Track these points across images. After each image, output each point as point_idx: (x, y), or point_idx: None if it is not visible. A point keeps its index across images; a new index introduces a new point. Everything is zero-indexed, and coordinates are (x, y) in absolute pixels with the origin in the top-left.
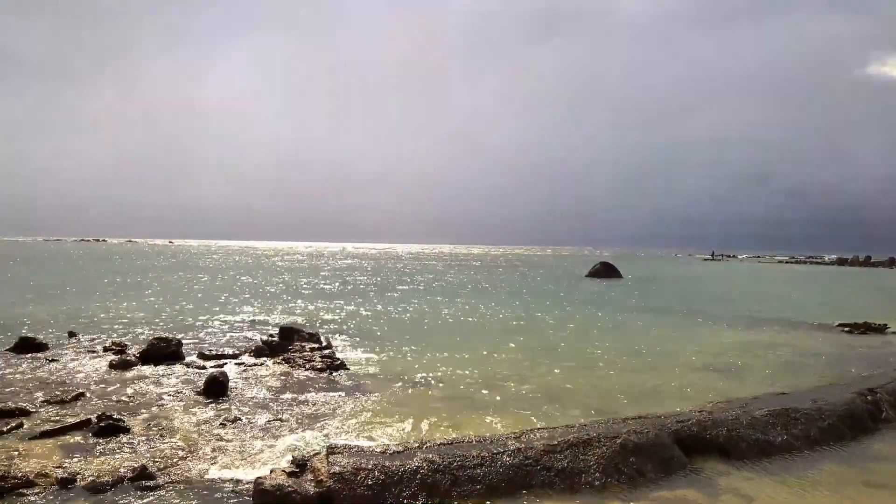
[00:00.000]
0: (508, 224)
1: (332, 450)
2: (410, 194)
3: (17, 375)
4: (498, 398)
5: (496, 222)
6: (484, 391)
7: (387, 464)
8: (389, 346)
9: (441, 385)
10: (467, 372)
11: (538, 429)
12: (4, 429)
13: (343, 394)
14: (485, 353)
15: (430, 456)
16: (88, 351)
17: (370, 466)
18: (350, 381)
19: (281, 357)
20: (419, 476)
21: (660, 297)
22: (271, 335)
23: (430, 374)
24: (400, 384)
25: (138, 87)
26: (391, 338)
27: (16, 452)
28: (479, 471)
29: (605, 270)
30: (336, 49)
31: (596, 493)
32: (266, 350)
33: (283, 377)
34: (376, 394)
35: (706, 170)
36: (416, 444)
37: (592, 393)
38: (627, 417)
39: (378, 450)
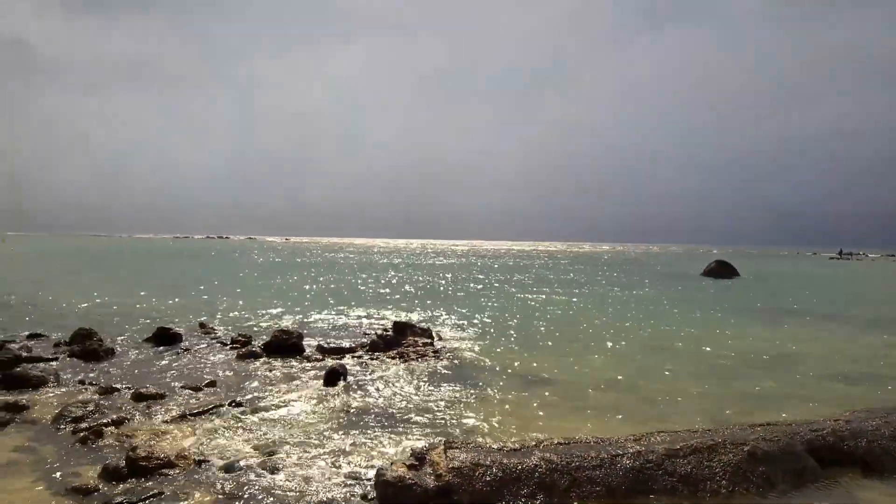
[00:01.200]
0: (616, 220)
1: (449, 444)
2: (518, 192)
3: (155, 363)
4: (612, 399)
5: (603, 219)
6: (597, 391)
7: (504, 461)
8: (502, 343)
9: (555, 383)
10: (581, 370)
11: (659, 432)
12: (147, 411)
13: (456, 389)
14: (598, 352)
15: (548, 455)
16: (217, 342)
17: (488, 463)
18: (463, 377)
19: (395, 351)
20: (537, 475)
21: (783, 298)
22: (385, 330)
23: (544, 372)
24: (513, 381)
25: (257, 93)
26: (504, 334)
27: (157, 434)
28: (597, 472)
29: (721, 269)
30: (446, 49)
31: (722, 502)
32: (380, 344)
33: (397, 371)
34: (490, 390)
35: (823, 164)
36: (533, 443)
37: (711, 397)
38: (755, 424)
39: (495, 446)
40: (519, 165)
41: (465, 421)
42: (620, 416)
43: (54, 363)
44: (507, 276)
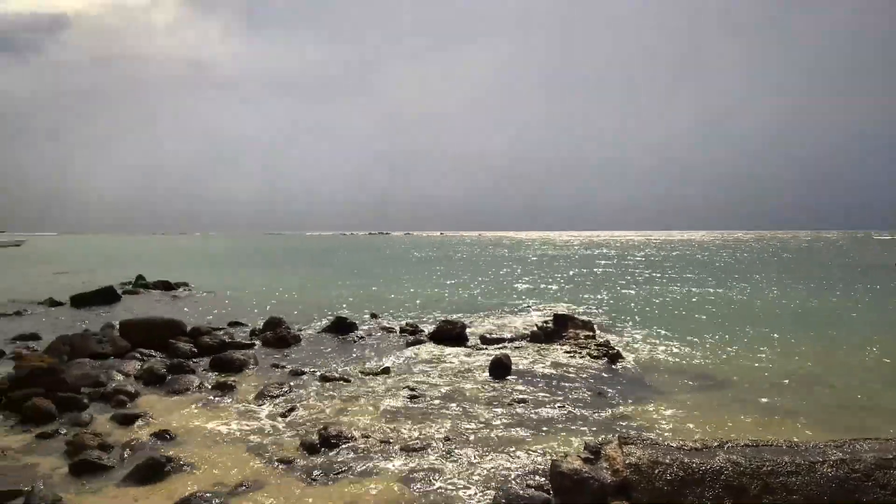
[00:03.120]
0: (773, 207)
1: (624, 440)
2: (654, 184)
3: (335, 350)
4: (796, 401)
5: (755, 206)
6: (780, 392)
7: (685, 460)
8: (670, 337)
9: (729, 382)
10: (759, 369)
11: (865, 439)
12: (332, 393)
13: (623, 383)
14: (778, 350)
15: (734, 457)
16: (387, 330)
17: (668, 461)
18: (630, 371)
19: (556, 343)
20: (723, 477)
21: None
22: (546, 322)
23: (717, 370)
24: (684, 378)
25: (397, 97)
26: (671, 328)
27: (344, 414)
28: (793, 479)
29: None
30: (571, 46)
31: None
32: (542, 336)
33: (560, 363)
34: (659, 386)
35: None
36: (716, 443)
37: None
38: None
39: (674, 444)
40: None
41: (634, 417)
42: (807, 420)
43: (252, 350)
44: (664, 268)
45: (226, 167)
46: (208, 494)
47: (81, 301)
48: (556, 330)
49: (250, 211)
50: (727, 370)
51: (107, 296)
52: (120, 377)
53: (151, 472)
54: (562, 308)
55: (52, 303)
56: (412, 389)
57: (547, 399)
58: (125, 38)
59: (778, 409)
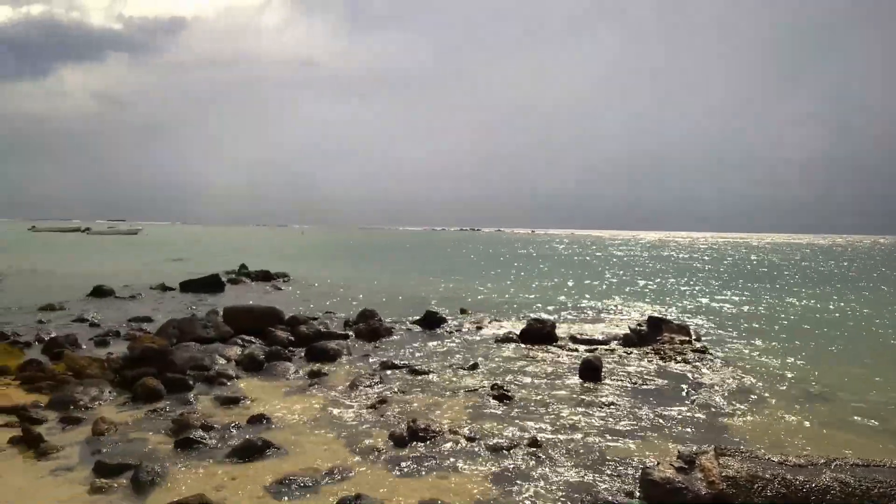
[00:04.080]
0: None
1: (721, 451)
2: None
3: (425, 343)
4: None
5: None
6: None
7: (788, 476)
8: (774, 348)
9: (840, 398)
10: (875, 387)
11: None
12: (421, 386)
13: (720, 392)
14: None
15: (843, 477)
16: (476, 327)
17: (768, 476)
18: (728, 380)
19: (650, 347)
20: (829, 497)
21: None
22: (639, 324)
23: (826, 385)
24: (788, 390)
25: (495, 93)
26: (776, 338)
27: (432, 408)
28: None
29: None
30: (676, 39)
31: None
32: (634, 339)
33: (653, 368)
34: (759, 397)
35: None
36: (822, 460)
37: None
38: None
39: (775, 459)
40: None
41: (731, 428)
42: None
43: (345, 341)
44: (778, 272)
45: (328, 162)
46: (301, 478)
47: (189, 287)
48: (651, 333)
49: (347, 205)
50: (836, 386)
51: (212, 283)
52: (222, 361)
53: (249, 452)
54: (656, 311)
55: (164, 288)
56: (500, 388)
57: (638, 404)
58: (237, 40)
59: (892, 433)
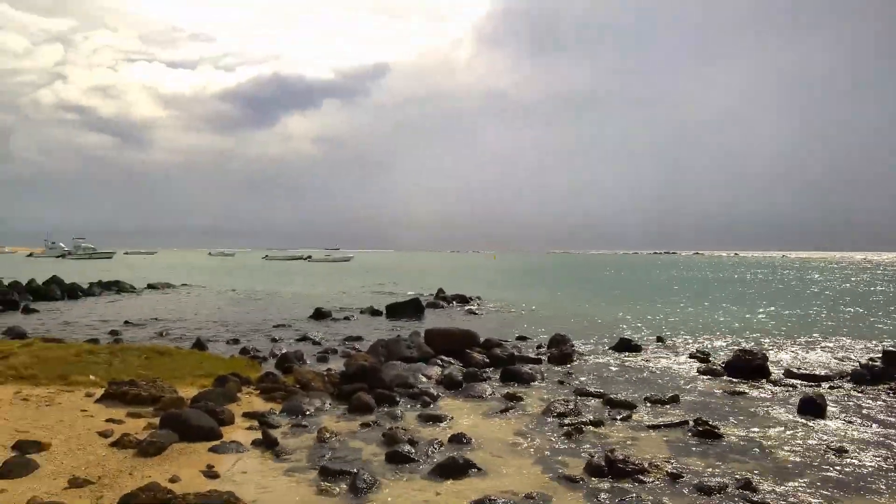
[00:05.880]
0: None
1: None
2: None
3: (620, 371)
4: None
5: None
6: None
7: None
8: None
9: None
10: None
11: None
12: (617, 417)
13: None
14: None
15: None
16: (675, 355)
17: None
18: None
19: (886, 386)
20: None
21: None
22: (872, 359)
23: None
24: None
25: (675, 105)
26: None
27: (630, 441)
28: None
29: None
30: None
31: None
32: (866, 376)
33: (891, 409)
34: None
35: None
36: None
37: None
38: None
39: None
40: None
41: None
42: None
43: (539, 365)
44: None
45: (516, 188)
46: (501, 500)
47: (394, 310)
48: (886, 369)
49: (536, 230)
50: None
51: (414, 307)
52: (424, 380)
53: (451, 470)
54: (890, 345)
55: (373, 311)
56: (704, 423)
57: (872, 451)
58: (432, 78)
59: None
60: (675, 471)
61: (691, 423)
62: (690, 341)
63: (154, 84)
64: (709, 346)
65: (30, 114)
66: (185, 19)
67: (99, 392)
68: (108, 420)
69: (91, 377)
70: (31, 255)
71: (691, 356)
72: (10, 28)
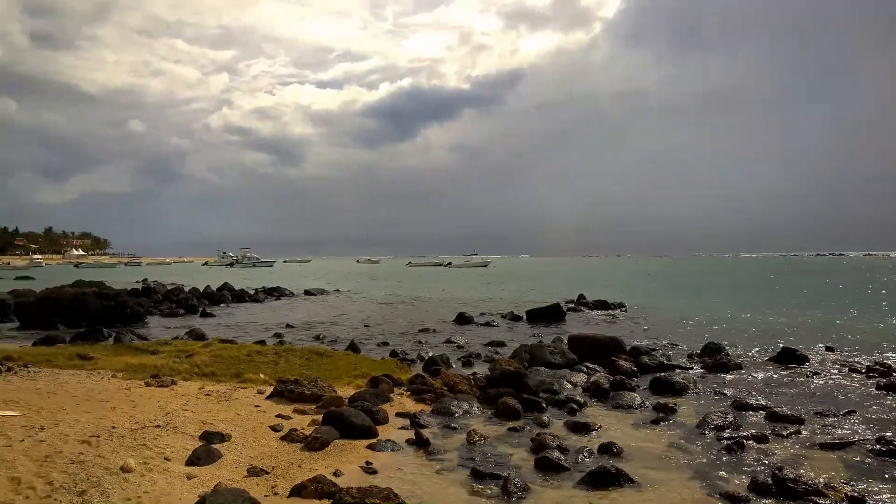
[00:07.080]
0: None
1: None
2: None
3: (782, 383)
4: None
5: None
6: None
7: None
8: None
9: None
10: None
11: None
12: (784, 433)
13: None
14: None
15: None
16: (848, 368)
17: None
18: None
19: None
20: None
21: None
22: None
23: None
24: None
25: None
26: None
27: (799, 458)
28: None
29: None
30: None
31: None
32: None
33: None
34: None
35: None
36: None
37: None
38: None
39: None
40: None
41: None
42: None
43: (690, 373)
44: None
45: (659, 191)
46: None
47: (535, 315)
48: None
49: (683, 232)
50: None
51: (555, 312)
52: (569, 387)
53: (603, 480)
54: None
55: (514, 317)
56: (889, 442)
57: None
58: (569, 81)
59: None
60: (856, 494)
61: (872, 440)
62: (866, 353)
63: (307, 103)
64: (892, 358)
65: (203, 137)
66: (333, 39)
67: (268, 389)
68: (277, 415)
69: (261, 375)
70: (205, 263)
71: (869, 368)
72: (186, 61)
